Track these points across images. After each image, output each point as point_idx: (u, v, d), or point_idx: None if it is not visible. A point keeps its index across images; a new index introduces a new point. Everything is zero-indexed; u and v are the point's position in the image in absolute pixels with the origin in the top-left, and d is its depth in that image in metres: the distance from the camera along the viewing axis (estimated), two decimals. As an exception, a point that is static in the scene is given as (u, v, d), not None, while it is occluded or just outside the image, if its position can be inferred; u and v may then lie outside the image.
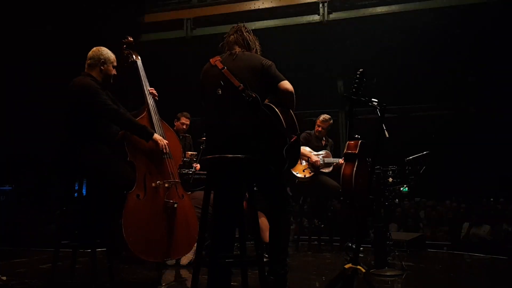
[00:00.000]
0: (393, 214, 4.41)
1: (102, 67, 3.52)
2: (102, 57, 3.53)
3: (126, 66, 3.80)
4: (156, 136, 3.49)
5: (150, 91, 3.73)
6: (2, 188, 6.38)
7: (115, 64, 3.58)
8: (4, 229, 5.89)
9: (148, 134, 3.43)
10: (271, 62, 2.91)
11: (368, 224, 3.76)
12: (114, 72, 3.57)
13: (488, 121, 6.22)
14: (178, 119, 5.56)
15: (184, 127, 5.55)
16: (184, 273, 4.03)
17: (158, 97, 3.79)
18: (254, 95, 2.73)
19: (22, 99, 6.55)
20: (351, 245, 5.07)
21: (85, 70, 3.53)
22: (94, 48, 3.56)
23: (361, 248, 5.47)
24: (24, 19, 6.38)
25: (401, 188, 4.80)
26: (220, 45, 3.10)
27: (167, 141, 3.55)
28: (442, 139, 6.22)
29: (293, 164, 3.15)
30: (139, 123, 3.47)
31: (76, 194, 3.57)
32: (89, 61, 3.53)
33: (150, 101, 3.69)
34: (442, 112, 7.09)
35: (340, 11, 7.44)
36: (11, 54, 6.30)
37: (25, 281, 3.58)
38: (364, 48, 7.09)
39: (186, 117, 5.56)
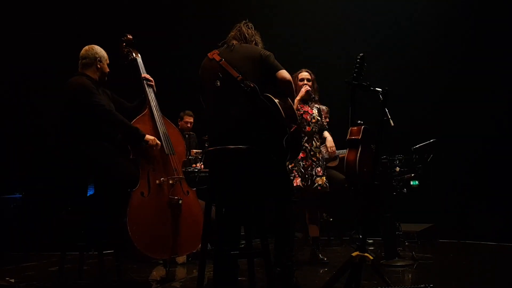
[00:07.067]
0: (402, 204, 4.35)
1: (98, 65, 3.52)
2: (97, 55, 3.52)
3: (126, 64, 3.80)
4: (148, 136, 3.44)
5: (146, 78, 3.69)
6: (12, 196, 6.43)
7: (108, 61, 3.59)
8: (15, 235, 5.92)
9: (139, 136, 3.39)
10: (269, 52, 2.90)
11: (374, 211, 3.71)
12: (108, 69, 3.58)
13: (497, 108, 6.11)
14: (182, 118, 5.55)
15: (189, 125, 5.54)
16: (191, 270, 4.01)
17: (162, 97, 3.77)
18: (252, 85, 2.71)
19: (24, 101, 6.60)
20: (358, 236, 5.02)
21: (79, 70, 3.52)
22: (87, 47, 3.56)
23: (371, 241, 5.45)
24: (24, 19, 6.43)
25: (411, 182, 4.73)
26: (219, 44, 3.08)
27: (160, 142, 3.51)
28: (451, 130, 6.12)
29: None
30: (132, 125, 3.43)
31: (81, 194, 3.57)
32: (84, 61, 3.52)
33: (152, 98, 3.68)
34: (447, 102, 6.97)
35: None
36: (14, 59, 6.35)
37: (33, 283, 3.58)
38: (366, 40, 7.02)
39: (189, 115, 5.56)
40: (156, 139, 3.48)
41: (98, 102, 3.33)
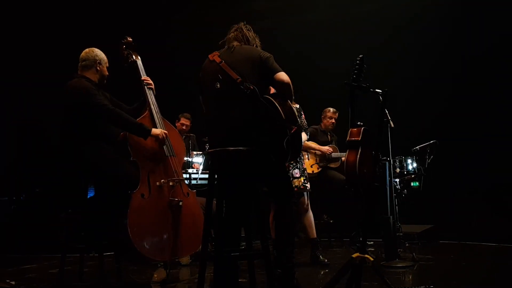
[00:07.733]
0: (403, 206, 4.35)
1: (98, 67, 3.52)
2: (97, 58, 3.53)
3: (126, 66, 3.80)
4: (154, 130, 3.46)
5: (146, 81, 3.70)
6: (12, 198, 6.43)
7: (108, 65, 3.59)
8: (15, 238, 5.92)
9: (145, 130, 3.40)
10: (269, 54, 2.89)
11: (374, 212, 3.71)
12: (107, 72, 3.58)
13: (498, 111, 6.12)
14: (178, 120, 5.59)
15: (184, 127, 5.56)
16: (193, 272, 4.01)
17: (161, 99, 3.77)
18: (252, 87, 2.70)
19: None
20: (359, 237, 5.02)
21: (79, 72, 3.52)
22: (87, 50, 3.55)
23: (372, 242, 5.45)
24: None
25: (411, 183, 4.73)
26: (220, 43, 3.09)
27: (166, 131, 3.53)
28: (451, 132, 6.12)
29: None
30: (136, 121, 3.44)
31: (81, 196, 3.57)
32: (83, 63, 3.52)
33: (152, 100, 3.68)
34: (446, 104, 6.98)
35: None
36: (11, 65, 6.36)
37: (33, 285, 3.58)
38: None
39: (186, 118, 5.58)
40: (163, 130, 3.49)
41: (100, 102, 3.33)
